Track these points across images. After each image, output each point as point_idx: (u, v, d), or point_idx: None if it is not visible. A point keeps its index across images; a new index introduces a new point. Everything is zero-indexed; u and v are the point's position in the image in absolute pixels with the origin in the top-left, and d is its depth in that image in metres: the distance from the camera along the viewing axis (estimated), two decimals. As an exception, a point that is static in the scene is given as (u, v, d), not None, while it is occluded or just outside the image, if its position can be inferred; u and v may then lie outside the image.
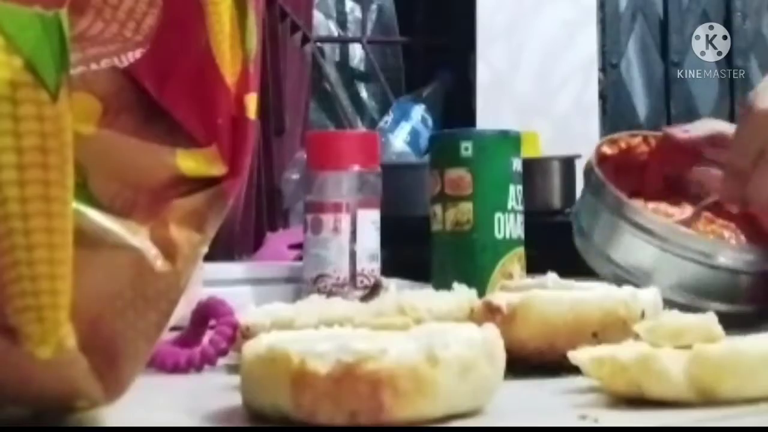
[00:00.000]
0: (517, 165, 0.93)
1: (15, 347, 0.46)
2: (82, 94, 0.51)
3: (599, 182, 0.95)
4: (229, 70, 0.53)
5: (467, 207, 0.91)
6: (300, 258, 1.02)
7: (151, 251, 0.50)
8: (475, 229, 0.90)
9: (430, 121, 2.33)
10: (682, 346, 0.59)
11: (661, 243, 0.90)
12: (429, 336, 0.54)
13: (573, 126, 2.35)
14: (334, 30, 2.59)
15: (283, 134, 1.94)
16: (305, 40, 2.27)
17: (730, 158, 0.88)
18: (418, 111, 2.32)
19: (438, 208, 0.92)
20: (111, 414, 0.53)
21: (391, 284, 0.91)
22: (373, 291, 0.88)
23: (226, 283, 0.88)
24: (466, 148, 0.91)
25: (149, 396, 0.59)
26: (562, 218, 1.70)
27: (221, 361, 0.72)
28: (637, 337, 0.65)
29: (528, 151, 1.11)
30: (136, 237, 0.50)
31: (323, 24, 2.54)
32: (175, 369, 0.71)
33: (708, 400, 0.56)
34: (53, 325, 0.46)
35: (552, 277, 0.78)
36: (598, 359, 0.59)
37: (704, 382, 0.56)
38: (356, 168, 0.92)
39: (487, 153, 0.92)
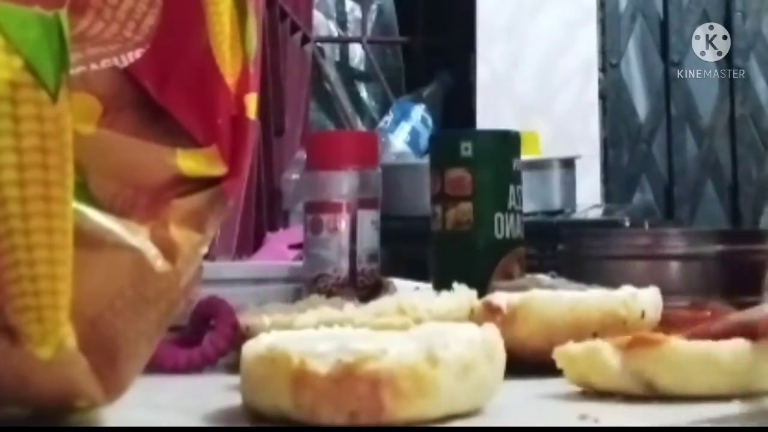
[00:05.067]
0: (517, 165, 0.93)
1: (15, 347, 0.46)
2: (82, 94, 0.51)
3: None
4: (229, 70, 0.53)
5: (467, 207, 0.90)
6: (300, 258, 1.02)
7: (151, 251, 0.50)
8: (475, 229, 0.90)
9: (430, 121, 2.33)
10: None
11: None
12: (429, 336, 0.54)
13: (573, 126, 2.35)
14: (334, 30, 2.59)
15: (283, 134, 1.94)
16: (305, 40, 2.27)
17: None
18: (418, 111, 2.32)
19: (438, 208, 0.92)
20: (111, 414, 0.53)
21: (392, 284, 0.91)
22: (373, 291, 0.88)
23: (226, 283, 0.88)
24: (466, 148, 0.91)
25: (149, 396, 0.59)
26: (562, 218, 1.70)
27: (221, 361, 0.72)
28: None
29: (528, 151, 1.11)
30: (136, 237, 0.50)
31: (323, 24, 2.55)
32: (175, 369, 0.71)
33: (650, 392, 0.58)
34: (53, 325, 0.46)
35: (541, 277, 0.78)
36: (559, 352, 0.62)
37: (644, 375, 0.58)
38: (356, 168, 0.92)
39: (487, 153, 0.92)
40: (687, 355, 0.58)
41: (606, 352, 0.59)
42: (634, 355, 0.58)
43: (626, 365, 0.58)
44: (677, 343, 0.58)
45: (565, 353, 0.61)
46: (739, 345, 0.58)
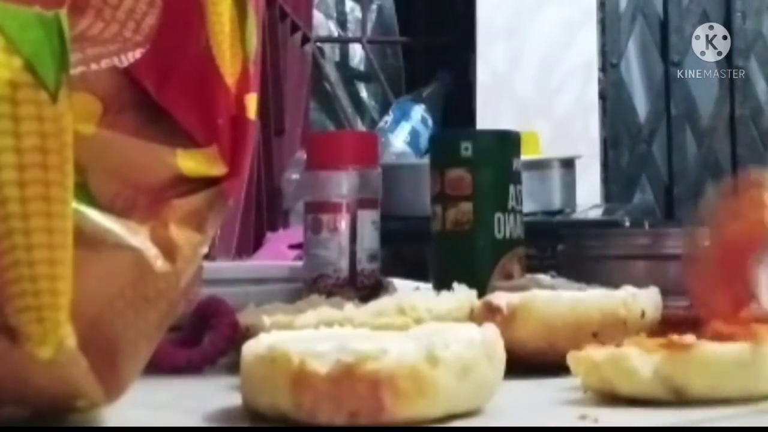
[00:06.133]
0: (517, 165, 0.93)
1: (15, 347, 0.46)
2: (82, 94, 0.51)
3: None
4: (229, 70, 0.53)
5: (467, 207, 0.90)
6: (300, 258, 1.02)
7: (151, 251, 0.50)
8: (475, 229, 0.90)
9: (430, 121, 2.33)
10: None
11: None
12: (429, 336, 0.54)
13: (573, 126, 2.35)
14: (334, 30, 2.59)
15: (283, 134, 1.94)
16: (305, 40, 2.27)
17: None
18: (418, 111, 2.32)
19: (438, 208, 0.92)
20: (111, 414, 0.53)
21: (393, 284, 0.91)
22: (373, 291, 0.88)
23: (226, 283, 0.88)
24: (466, 148, 0.91)
25: (149, 396, 0.59)
26: (562, 218, 1.70)
27: (221, 361, 0.72)
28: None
29: (528, 151, 1.11)
30: (136, 237, 0.50)
31: (323, 24, 2.55)
32: (175, 369, 0.71)
33: (678, 398, 0.57)
34: (53, 325, 0.46)
35: (541, 277, 0.78)
36: (577, 357, 0.60)
37: (675, 380, 0.57)
38: (356, 168, 0.92)
39: (487, 153, 0.92)
40: (720, 358, 0.57)
41: (635, 358, 0.57)
42: (666, 361, 0.57)
43: (657, 371, 0.57)
44: (709, 347, 0.57)
45: (586, 359, 0.59)
46: None
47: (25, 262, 0.45)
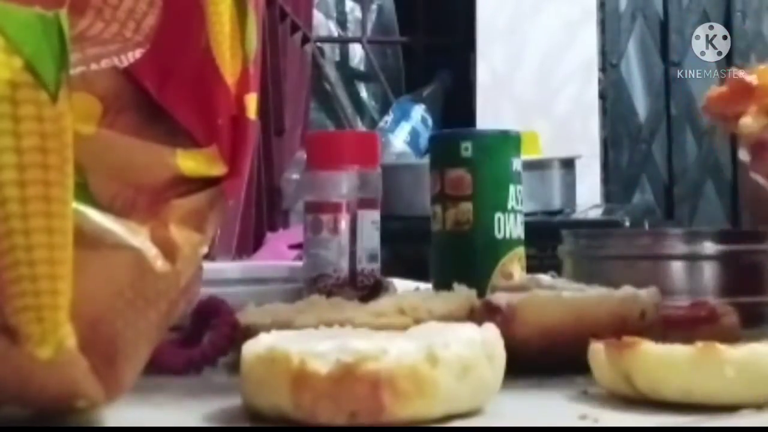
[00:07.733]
0: (517, 165, 0.93)
1: (15, 347, 0.46)
2: (82, 94, 0.51)
3: None
4: (229, 70, 0.53)
5: (467, 207, 0.90)
6: (300, 258, 1.02)
7: (151, 251, 0.50)
8: (475, 229, 0.90)
9: (430, 121, 2.33)
10: None
11: None
12: (429, 336, 0.54)
13: (573, 126, 2.35)
14: (334, 30, 2.59)
15: (283, 134, 1.94)
16: (305, 40, 2.27)
17: None
18: (418, 111, 2.33)
19: (438, 208, 0.92)
20: (111, 414, 0.53)
21: (393, 284, 0.91)
22: (373, 291, 0.88)
23: (226, 283, 0.88)
24: (466, 148, 0.91)
25: (149, 396, 0.59)
26: (562, 218, 1.71)
27: (221, 361, 0.72)
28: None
29: (528, 151, 1.11)
30: (136, 237, 0.50)
31: (323, 24, 2.55)
32: (175, 369, 0.71)
33: (642, 397, 0.57)
34: (53, 325, 0.46)
35: (541, 277, 0.78)
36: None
37: (628, 377, 0.57)
38: (356, 168, 0.92)
39: (487, 153, 0.92)
40: (656, 359, 0.57)
41: (601, 354, 0.58)
42: (619, 357, 0.57)
43: (614, 367, 0.58)
44: (649, 347, 0.57)
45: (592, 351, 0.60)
46: (706, 352, 0.56)
47: (25, 262, 0.45)
